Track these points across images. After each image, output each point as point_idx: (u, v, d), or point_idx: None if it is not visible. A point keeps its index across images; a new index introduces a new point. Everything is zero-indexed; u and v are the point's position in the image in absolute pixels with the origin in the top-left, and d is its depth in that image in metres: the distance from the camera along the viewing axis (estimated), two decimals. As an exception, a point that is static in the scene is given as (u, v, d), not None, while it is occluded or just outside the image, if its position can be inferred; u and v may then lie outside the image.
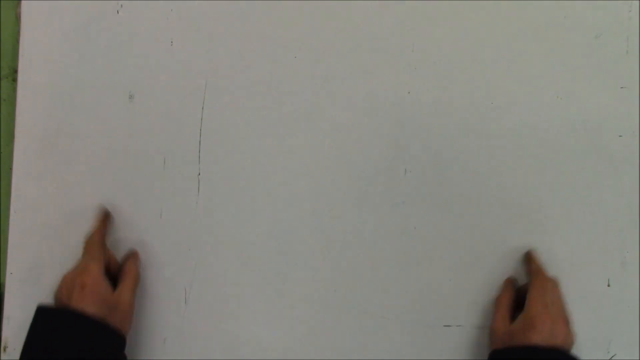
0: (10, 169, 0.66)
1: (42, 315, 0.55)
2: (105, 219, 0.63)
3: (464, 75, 0.64)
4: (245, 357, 0.63)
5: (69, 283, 0.56)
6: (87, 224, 0.64)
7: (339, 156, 0.64)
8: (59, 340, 0.53)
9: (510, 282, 0.62)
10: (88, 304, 0.55)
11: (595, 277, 0.63)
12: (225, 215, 0.64)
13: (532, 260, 0.61)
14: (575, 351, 0.55)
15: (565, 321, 0.55)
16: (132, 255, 0.63)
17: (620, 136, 0.63)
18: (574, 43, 0.63)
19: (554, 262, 0.63)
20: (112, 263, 0.62)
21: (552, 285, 0.58)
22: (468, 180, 0.63)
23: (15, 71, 0.66)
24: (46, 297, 0.64)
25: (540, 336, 0.53)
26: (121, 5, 0.65)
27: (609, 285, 0.63)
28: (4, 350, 0.65)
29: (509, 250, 0.63)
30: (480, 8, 0.63)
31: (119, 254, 0.64)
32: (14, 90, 0.66)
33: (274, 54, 0.64)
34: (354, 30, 0.64)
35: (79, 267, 0.58)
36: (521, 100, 0.63)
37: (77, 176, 0.65)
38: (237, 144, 0.65)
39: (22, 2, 0.66)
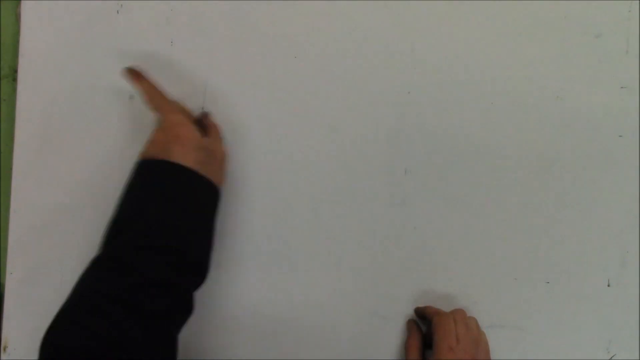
0: (10, 169, 0.66)
1: (143, 167, 0.54)
2: (143, 76, 0.59)
3: (463, 76, 0.64)
4: (245, 356, 0.63)
5: (161, 139, 0.54)
6: (87, 223, 0.64)
7: (339, 156, 0.64)
8: (160, 192, 0.52)
9: (413, 324, 0.62)
10: (186, 154, 0.53)
11: (595, 277, 0.63)
12: (225, 215, 0.64)
13: (426, 308, 0.62)
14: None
15: (471, 355, 0.55)
16: (206, 113, 0.61)
17: (620, 136, 0.63)
18: (574, 43, 0.63)
19: (554, 262, 0.63)
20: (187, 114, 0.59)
21: (454, 319, 0.57)
22: (468, 180, 0.63)
23: (15, 71, 0.66)
24: (46, 297, 0.65)
25: None
26: (121, 5, 0.65)
27: (609, 285, 0.63)
28: (4, 350, 0.65)
29: (509, 250, 0.63)
30: (480, 8, 0.63)
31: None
32: (14, 90, 0.66)
33: (274, 54, 0.65)
34: (354, 30, 0.64)
35: (164, 124, 0.55)
36: (521, 100, 0.63)
37: (77, 176, 0.65)
38: (237, 144, 0.65)
39: (22, 2, 0.66)
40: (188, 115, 0.59)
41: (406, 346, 0.61)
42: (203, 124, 0.60)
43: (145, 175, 0.54)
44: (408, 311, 0.63)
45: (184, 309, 0.53)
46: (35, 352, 0.65)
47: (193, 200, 0.53)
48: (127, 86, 0.65)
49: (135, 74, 0.59)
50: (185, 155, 0.53)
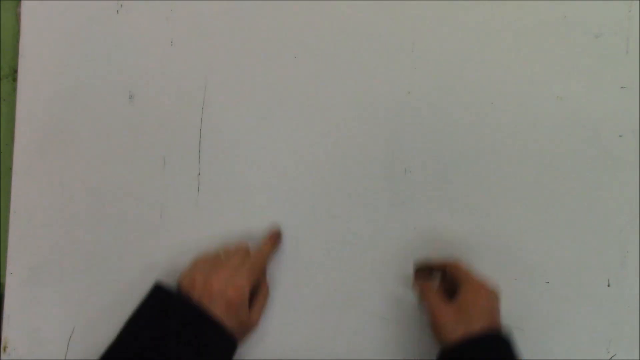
0: (10, 169, 0.66)
1: (175, 301, 0.53)
2: (277, 241, 0.63)
3: (463, 76, 0.64)
4: (245, 356, 0.63)
5: (214, 288, 0.53)
6: (87, 224, 0.65)
7: (339, 156, 0.64)
8: (185, 340, 0.51)
9: (422, 271, 0.62)
10: (224, 318, 0.53)
11: (595, 277, 0.63)
12: (225, 215, 0.64)
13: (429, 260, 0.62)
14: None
15: (497, 291, 0.57)
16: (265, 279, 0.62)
17: (620, 136, 0.63)
18: (574, 43, 0.63)
19: (554, 262, 0.63)
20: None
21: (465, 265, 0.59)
22: (468, 180, 0.63)
23: (15, 71, 0.66)
24: (46, 297, 0.65)
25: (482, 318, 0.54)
26: (121, 5, 0.65)
27: (609, 285, 0.63)
28: (4, 350, 0.65)
29: (509, 250, 0.63)
30: (480, 8, 0.63)
31: (117, 254, 0.64)
32: (14, 90, 0.66)
33: (274, 54, 0.65)
34: (354, 30, 0.64)
35: (231, 275, 0.55)
36: (521, 100, 0.63)
37: (77, 176, 0.65)
38: (237, 144, 0.65)
39: (22, 2, 0.66)
40: (255, 280, 0.58)
41: (420, 289, 0.60)
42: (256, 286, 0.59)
43: (173, 311, 0.53)
44: (409, 312, 0.63)
45: None
46: (35, 352, 0.65)
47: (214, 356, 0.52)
48: (127, 86, 0.65)
49: (277, 238, 0.63)
50: (224, 317, 0.53)
